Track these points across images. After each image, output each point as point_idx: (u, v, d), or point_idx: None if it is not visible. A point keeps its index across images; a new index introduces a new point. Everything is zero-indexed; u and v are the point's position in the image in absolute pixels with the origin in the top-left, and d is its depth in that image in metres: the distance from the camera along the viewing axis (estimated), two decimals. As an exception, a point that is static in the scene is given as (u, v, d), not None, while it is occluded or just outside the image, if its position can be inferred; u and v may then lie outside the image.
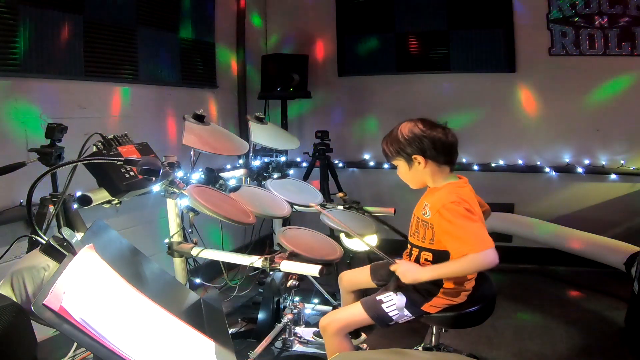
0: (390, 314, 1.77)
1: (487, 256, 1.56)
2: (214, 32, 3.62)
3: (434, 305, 1.76)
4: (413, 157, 1.74)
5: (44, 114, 2.38)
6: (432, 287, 1.75)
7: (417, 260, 1.81)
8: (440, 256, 1.70)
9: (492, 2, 3.72)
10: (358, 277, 2.07)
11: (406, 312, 1.77)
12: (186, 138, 2.16)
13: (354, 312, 1.82)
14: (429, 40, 3.91)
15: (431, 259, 1.76)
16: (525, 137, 3.84)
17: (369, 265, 2.06)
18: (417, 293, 1.76)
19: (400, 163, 1.79)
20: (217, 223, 2.32)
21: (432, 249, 1.74)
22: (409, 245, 1.88)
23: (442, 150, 1.74)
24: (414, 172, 1.78)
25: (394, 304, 1.77)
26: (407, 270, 1.70)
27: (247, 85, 4.03)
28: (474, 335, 2.62)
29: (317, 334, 2.37)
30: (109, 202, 1.91)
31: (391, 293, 1.79)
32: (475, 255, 1.56)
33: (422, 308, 1.76)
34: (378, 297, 1.80)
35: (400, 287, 1.78)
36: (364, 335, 2.23)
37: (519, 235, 3.69)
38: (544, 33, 3.66)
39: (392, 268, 1.76)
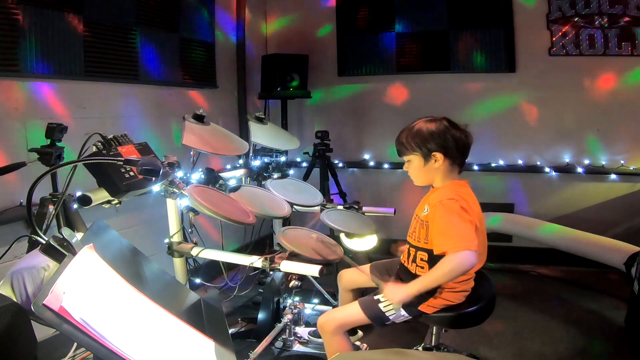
0: (387, 314, 1.76)
1: (463, 257, 1.55)
2: (214, 32, 3.62)
3: (431, 306, 1.75)
4: (433, 153, 1.74)
5: (44, 114, 2.38)
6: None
7: (414, 260, 1.81)
8: (435, 256, 1.69)
9: (492, 2, 3.72)
10: (358, 275, 2.07)
11: (403, 312, 1.76)
12: (186, 138, 2.16)
13: (351, 311, 1.82)
14: (429, 40, 3.90)
15: (426, 259, 1.76)
16: (525, 137, 3.84)
17: (369, 265, 2.06)
18: None
19: (415, 158, 1.78)
20: (217, 223, 2.33)
21: (427, 248, 1.74)
22: (406, 246, 1.88)
23: (461, 150, 1.75)
24: (427, 169, 1.77)
25: (390, 303, 1.76)
26: (393, 292, 1.68)
27: (247, 85, 4.03)
28: (474, 335, 2.61)
29: (313, 334, 2.37)
30: (108, 202, 1.91)
31: None
32: (451, 255, 1.56)
33: (419, 308, 1.75)
34: (375, 297, 1.80)
35: None
36: (360, 333, 2.23)
37: (519, 235, 3.69)
38: (544, 33, 3.67)
39: (380, 292, 1.76)
